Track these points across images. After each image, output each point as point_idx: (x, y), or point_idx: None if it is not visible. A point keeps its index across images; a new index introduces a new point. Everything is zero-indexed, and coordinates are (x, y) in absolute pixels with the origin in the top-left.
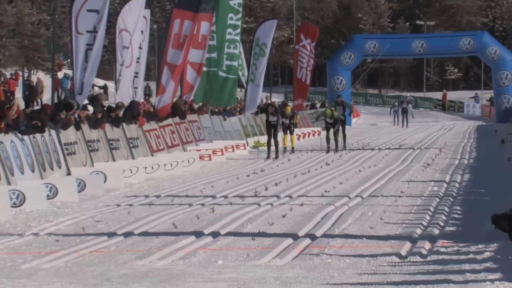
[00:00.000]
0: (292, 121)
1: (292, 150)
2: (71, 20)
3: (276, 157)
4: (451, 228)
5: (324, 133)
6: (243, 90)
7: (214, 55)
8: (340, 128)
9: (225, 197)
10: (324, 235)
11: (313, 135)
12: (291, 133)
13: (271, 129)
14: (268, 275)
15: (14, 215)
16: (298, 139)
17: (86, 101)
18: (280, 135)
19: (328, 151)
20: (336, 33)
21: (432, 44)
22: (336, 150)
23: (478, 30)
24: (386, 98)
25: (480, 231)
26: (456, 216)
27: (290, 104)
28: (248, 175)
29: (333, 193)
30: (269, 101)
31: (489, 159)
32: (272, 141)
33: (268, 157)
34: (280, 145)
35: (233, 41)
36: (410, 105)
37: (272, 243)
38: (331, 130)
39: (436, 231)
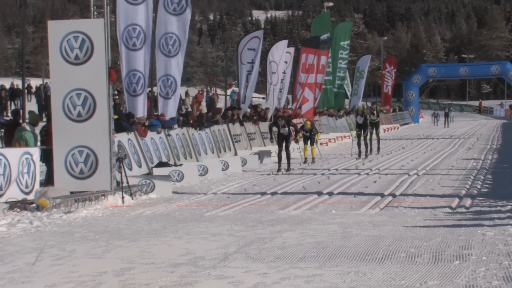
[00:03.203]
0: (312, 133)
1: (313, 161)
2: (238, 55)
3: (288, 169)
4: (485, 190)
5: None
6: (348, 100)
7: (330, 77)
8: (374, 132)
9: (336, 169)
10: (401, 194)
11: (394, 129)
12: (312, 143)
13: (282, 141)
14: (364, 220)
15: (200, 181)
16: (384, 131)
17: (248, 108)
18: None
19: (359, 156)
20: (409, 63)
21: (472, 69)
22: (366, 155)
23: (503, 60)
24: (441, 105)
25: (504, 192)
26: (488, 182)
27: (316, 120)
28: (351, 155)
29: (407, 167)
30: (280, 112)
31: (510, 145)
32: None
33: (278, 169)
34: (291, 156)
35: (342, 68)
36: (452, 112)
37: (367, 199)
38: (362, 136)
39: (475, 192)
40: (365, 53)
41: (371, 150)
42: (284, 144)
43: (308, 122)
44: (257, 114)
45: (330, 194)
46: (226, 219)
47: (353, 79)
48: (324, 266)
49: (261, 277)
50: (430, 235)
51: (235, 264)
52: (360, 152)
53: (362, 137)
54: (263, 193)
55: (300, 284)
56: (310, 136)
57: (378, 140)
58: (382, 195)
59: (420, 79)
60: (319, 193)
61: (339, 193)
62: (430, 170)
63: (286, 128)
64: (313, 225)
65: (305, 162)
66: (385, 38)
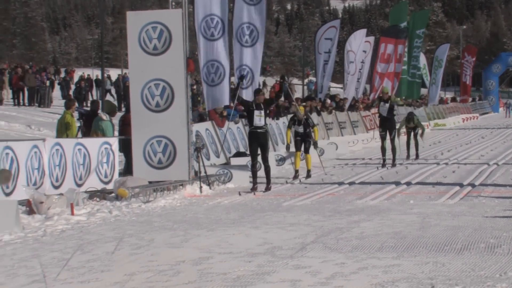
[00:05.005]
0: (308, 130)
1: (308, 174)
2: (315, 45)
3: (267, 188)
4: None
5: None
6: (427, 89)
7: (405, 67)
8: (412, 134)
9: (414, 159)
10: (481, 184)
11: (473, 119)
12: (306, 150)
13: (256, 146)
14: (443, 210)
15: (278, 171)
16: (464, 121)
17: (324, 97)
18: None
19: (384, 164)
20: (488, 52)
21: None
22: (394, 163)
23: None
24: None
25: None
26: None
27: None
28: (430, 145)
29: (486, 157)
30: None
31: None
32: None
33: (253, 187)
34: (267, 170)
35: (416, 56)
36: None
37: (446, 189)
38: (387, 138)
39: None
40: (444, 42)
41: (408, 155)
42: (260, 154)
43: (302, 108)
44: (335, 104)
45: (408, 184)
46: (303, 209)
47: (431, 68)
48: (402, 256)
49: (338, 267)
50: (510, 226)
51: (312, 254)
52: (384, 159)
53: (388, 139)
54: (340, 183)
55: (378, 274)
56: (303, 138)
57: (417, 144)
58: (461, 185)
59: (500, 68)
60: (397, 183)
61: (417, 183)
62: (510, 160)
63: (262, 120)
64: (391, 215)
65: (295, 177)
66: (464, 26)
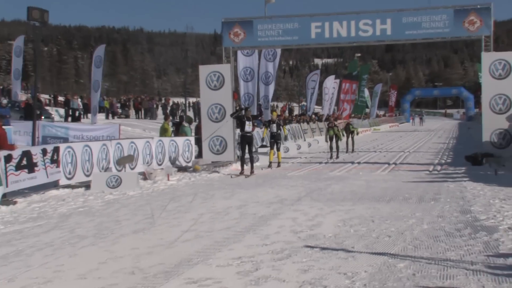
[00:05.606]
0: (279, 131)
1: (278, 165)
2: (306, 84)
3: (251, 173)
4: (449, 160)
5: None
6: (368, 109)
7: (357, 96)
8: (351, 136)
9: (362, 149)
10: (400, 163)
11: (396, 126)
12: (278, 149)
13: (245, 144)
14: (379, 178)
15: (284, 156)
16: (390, 127)
17: (312, 114)
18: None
19: (331, 157)
20: (404, 88)
21: (441, 92)
22: (338, 156)
23: (459, 86)
24: (417, 112)
25: (460, 162)
26: (451, 156)
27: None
28: (367, 142)
29: (403, 147)
30: (244, 106)
31: (462, 134)
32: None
33: (241, 173)
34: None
35: (363, 90)
36: (424, 116)
37: (380, 166)
38: (334, 140)
39: (443, 161)
40: (378, 83)
41: (346, 150)
42: (247, 148)
43: (275, 113)
44: (317, 118)
45: (359, 163)
46: (299, 177)
47: (371, 97)
48: (356, 204)
49: (319, 210)
50: (417, 187)
51: (304, 203)
52: (331, 154)
53: (334, 141)
54: (320, 163)
55: (341, 215)
56: (276, 140)
57: (353, 143)
58: (389, 164)
59: (410, 97)
60: (352, 162)
61: (364, 162)
62: (417, 149)
63: (250, 127)
64: (349, 181)
65: (269, 166)
66: (390, 74)
